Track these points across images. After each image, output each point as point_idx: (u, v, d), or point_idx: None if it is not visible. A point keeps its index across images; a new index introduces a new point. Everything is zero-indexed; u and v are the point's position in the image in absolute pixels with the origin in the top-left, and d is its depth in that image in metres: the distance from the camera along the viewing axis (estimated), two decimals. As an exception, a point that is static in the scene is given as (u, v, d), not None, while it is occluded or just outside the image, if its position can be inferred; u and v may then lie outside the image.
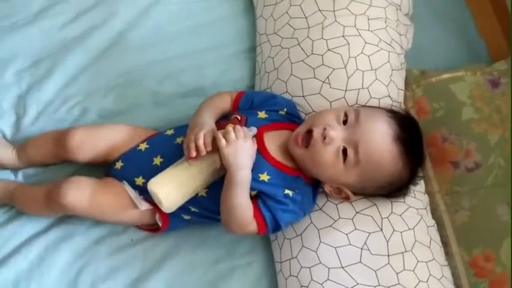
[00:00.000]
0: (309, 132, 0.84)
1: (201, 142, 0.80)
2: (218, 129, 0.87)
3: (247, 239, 0.97)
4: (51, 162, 0.99)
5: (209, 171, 0.83)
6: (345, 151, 0.83)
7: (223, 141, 0.79)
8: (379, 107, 0.89)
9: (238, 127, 0.82)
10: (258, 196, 0.85)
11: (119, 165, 0.92)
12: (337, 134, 0.83)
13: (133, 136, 0.94)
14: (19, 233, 0.95)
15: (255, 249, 0.96)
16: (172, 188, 0.82)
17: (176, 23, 1.11)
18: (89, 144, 0.93)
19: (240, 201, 0.81)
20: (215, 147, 0.81)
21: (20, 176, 1.00)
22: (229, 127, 0.82)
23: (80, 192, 0.87)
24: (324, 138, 0.82)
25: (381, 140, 0.82)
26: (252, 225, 0.84)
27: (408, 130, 0.84)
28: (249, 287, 0.93)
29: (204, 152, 0.80)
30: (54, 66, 1.06)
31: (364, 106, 0.90)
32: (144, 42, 1.09)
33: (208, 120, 0.87)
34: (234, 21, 1.12)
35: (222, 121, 0.90)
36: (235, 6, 1.13)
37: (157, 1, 1.12)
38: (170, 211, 0.84)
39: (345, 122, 0.84)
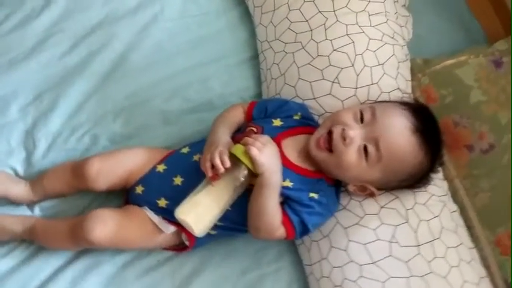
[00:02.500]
0: (330, 133, 0.85)
1: (217, 161, 0.80)
2: (235, 143, 0.87)
3: (272, 246, 0.97)
4: (68, 193, 0.98)
5: (232, 188, 0.83)
6: (365, 149, 0.83)
7: (255, 150, 0.79)
8: (392, 101, 0.90)
9: (259, 135, 0.83)
10: (284, 202, 0.85)
11: (139, 189, 0.92)
12: (356, 133, 0.83)
13: (150, 158, 0.94)
14: (44, 268, 0.94)
15: (282, 256, 0.96)
16: (200, 212, 0.82)
17: (175, 39, 1.11)
18: (107, 171, 0.92)
19: (272, 205, 0.82)
20: (233, 163, 0.81)
21: (37, 210, 0.99)
22: (250, 138, 0.81)
23: (105, 227, 0.87)
24: (344, 139, 0.83)
25: (400, 133, 0.83)
26: (280, 231, 0.84)
27: (424, 119, 0.85)
28: (280, 294, 0.94)
29: (222, 170, 0.80)
30: (58, 97, 1.05)
31: (378, 102, 0.90)
32: (146, 61, 1.09)
33: (223, 136, 0.87)
34: (232, 31, 1.12)
35: (238, 134, 0.91)
36: (231, 17, 1.13)
37: (154, 19, 1.11)
38: (202, 235, 0.84)
39: (361, 120, 0.85)
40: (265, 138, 0.82)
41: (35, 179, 0.98)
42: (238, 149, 0.81)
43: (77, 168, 0.94)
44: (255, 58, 1.10)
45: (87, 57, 1.09)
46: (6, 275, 0.93)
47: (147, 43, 1.10)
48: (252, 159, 0.79)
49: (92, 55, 1.09)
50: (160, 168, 0.92)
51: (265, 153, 0.79)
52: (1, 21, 1.10)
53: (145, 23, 1.11)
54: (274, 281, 0.95)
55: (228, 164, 0.80)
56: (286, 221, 0.84)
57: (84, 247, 0.93)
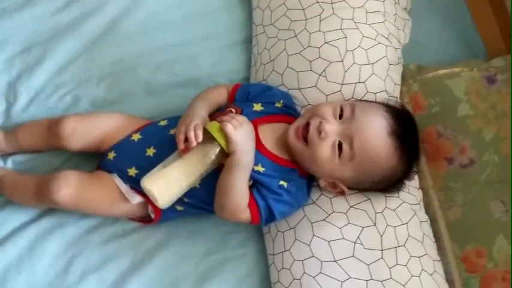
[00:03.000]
0: (307, 125, 0.84)
1: (191, 134, 0.79)
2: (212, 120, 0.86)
3: (239, 231, 0.96)
4: (42, 149, 0.97)
5: (203, 164, 0.82)
6: (340, 146, 0.82)
7: (230, 127, 0.78)
8: (375, 101, 0.88)
9: (236, 115, 0.82)
10: (253, 185, 0.84)
11: (111, 155, 0.91)
12: (332, 128, 0.82)
13: (126, 125, 0.92)
14: (9, 221, 0.94)
15: (248, 242, 0.96)
16: (166, 184, 0.81)
17: (171, 12, 1.09)
18: (82, 132, 0.91)
19: (239, 185, 0.81)
20: (206, 139, 0.80)
21: (10, 163, 0.98)
22: (226, 116, 0.80)
23: (69, 189, 0.86)
24: (320, 132, 0.82)
25: (376, 134, 0.82)
26: (246, 213, 0.83)
27: (404, 124, 0.84)
28: (240, 279, 0.93)
29: (194, 144, 0.79)
30: (46, 53, 1.04)
31: (361, 100, 0.89)
32: (137, 30, 1.07)
33: (200, 112, 0.86)
34: (230, 11, 1.10)
35: (217, 113, 0.89)
36: (231, -4, 1.12)
37: (152, -12, 1.10)
38: (165, 207, 0.83)
39: (340, 116, 0.83)
40: (243, 118, 0.81)
41: (10, 130, 0.97)
42: (213, 126, 0.80)
43: (52, 125, 0.93)
44: (249, 41, 1.08)
45: (80, 17, 1.07)
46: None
47: (141, 12, 1.08)
48: (225, 137, 0.78)
49: (84, 16, 1.07)
50: (135, 137, 0.91)
51: (239, 132, 0.79)
52: (-3, -31, 1.08)
53: (143, -9, 1.10)
54: (236, 265, 0.94)
55: (200, 138, 0.79)
56: (253, 204, 0.83)
57: (49, 206, 0.92)
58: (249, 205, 0.83)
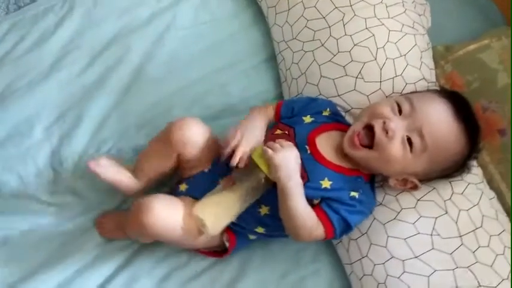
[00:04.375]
0: (368, 128, 0.83)
1: (235, 160, 0.82)
2: (267, 141, 0.87)
3: (309, 247, 0.96)
4: (167, 168, 0.94)
5: (251, 193, 0.83)
6: (409, 140, 0.82)
7: (270, 151, 0.79)
8: (425, 91, 0.88)
9: (280, 140, 0.82)
10: (321, 202, 0.84)
11: (183, 187, 0.91)
12: (398, 125, 0.82)
13: (214, 150, 0.92)
14: (85, 286, 0.94)
15: (319, 256, 0.95)
16: (216, 213, 0.82)
17: (190, 47, 1.10)
18: (198, 135, 0.91)
19: (298, 208, 0.81)
20: (253, 166, 0.80)
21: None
22: (271, 142, 0.81)
23: (159, 210, 0.84)
24: (387, 132, 0.81)
25: (443, 121, 0.82)
26: (319, 230, 0.83)
27: (462, 105, 0.84)
28: (322, 294, 0.93)
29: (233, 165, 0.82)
30: (81, 115, 1.05)
31: (411, 93, 0.89)
32: (163, 71, 1.09)
33: (256, 130, 0.88)
34: (246, 34, 1.11)
35: (268, 134, 0.90)
36: (243, 20, 1.13)
37: (167, 29, 1.11)
38: (214, 234, 0.84)
39: (400, 112, 0.83)
40: (286, 142, 0.81)
41: (134, 165, 0.96)
42: (256, 151, 0.81)
43: (170, 128, 0.91)
44: (271, 59, 1.09)
45: (105, 72, 1.08)
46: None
47: (162, 53, 1.10)
48: (267, 163, 0.79)
49: (109, 70, 1.09)
50: (206, 168, 0.92)
51: (280, 155, 0.79)
52: (16, 42, 1.10)
53: (159, 33, 1.11)
54: (314, 282, 0.94)
55: (241, 164, 0.82)
56: (325, 219, 0.82)
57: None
58: (321, 220, 0.82)
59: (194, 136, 0.90)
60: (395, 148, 0.82)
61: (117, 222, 0.95)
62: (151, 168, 0.94)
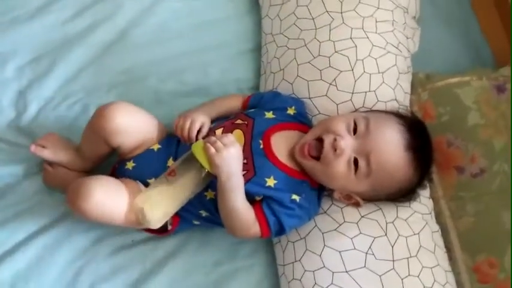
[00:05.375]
0: (319, 140, 0.83)
1: (185, 134, 0.86)
2: (224, 128, 0.87)
3: (249, 242, 0.96)
4: (105, 151, 0.92)
5: (192, 185, 0.83)
6: (356, 161, 0.82)
7: (212, 150, 0.78)
8: (387, 111, 0.88)
9: (223, 135, 0.81)
10: (262, 199, 0.84)
11: (130, 165, 0.90)
12: (348, 144, 0.82)
13: (154, 132, 0.91)
14: (18, 232, 0.93)
15: (257, 252, 0.95)
16: (158, 204, 0.82)
17: (180, 21, 1.09)
18: (129, 128, 0.87)
19: (236, 206, 0.81)
20: (194, 158, 0.80)
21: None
22: (213, 137, 0.80)
23: (98, 195, 0.81)
24: (335, 149, 0.81)
25: (393, 149, 0.81)
26: (255, 228, 0.83)
27: (419, 136, 0.83)
28: (250, 289, 0.92)
29: (193, 140, 0.85)
30: (56, 62, 1.04)
31: (374, 110, 0.89)
32: (148, 39, 1.08)
33: (201, 113, 0.89)
34: (239, 20, 1.11)
35: (227, 121, 0.90)
36: (240, 5, 1.12)
37: (162, -2, 1.10)
38: (156, 227, 0.84)
39: (354, 131, 0.83)
40: (229, 139, 0.80)
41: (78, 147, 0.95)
42: (198, 146, 0.80)
43: (99, 114, 0.87)
44: (258, 50, 1.08)
45: (90, 26, 1.07)
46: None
47: (151, 21, 1.09)
48: (209, 161, 0.79)
49: (94, 25, 1.08)
50: (155, 147, 0.91)
51: (222, 155, 0.78)
52: (6, -21, 1.09)
53: (153, 0, 1.10)
54: (246, 276, 0.93)
55: (193, 139, 0.86)
56: (262, 219, 0.83)
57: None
58: (259, 220, 0.83)
59: (119, 125, 0.86)
60: (340, 166, 0.81)
61: (60, 174, 0.94)
62: (90, 152, 0.93)
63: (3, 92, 1.02)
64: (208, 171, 0.80)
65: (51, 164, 0.95)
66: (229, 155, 0.79)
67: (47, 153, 0.94)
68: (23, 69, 1.04)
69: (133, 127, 0.88)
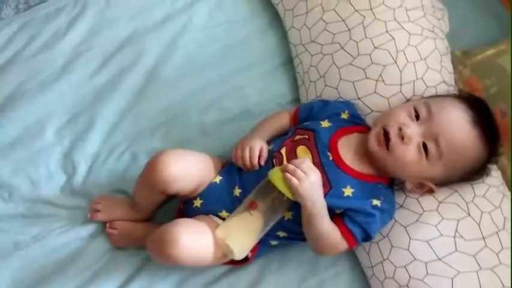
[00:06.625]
0: (384, 133, 0.83)
1: (247, 163, 0.85)
2: (287, 147, 0.87)
3: (328, 251, 0.96)
4: (162, 199, 0.91)
5: (273, 214, 0.82)
6: (425, 146, 0.82)
7: (294, 181, 0.78)
8: (444, 95, 0.89)
9: (300, 161, 0.80)
10: (343, 213, 0.84)
11: (198, 203, 0.89)
12: (414, 131, 0.82)
13: (211, 168, 0.90)
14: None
15: (339, 259, 0.95)
16: (242, 237, 0.82)
17: (205, 50, 1.09)
18: (182, 174, 0.86)
19: (323, 229, 0.82)
20: (272, 186, 0.80)
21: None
22: (291, 165, 0.79)
23: (186, 238, 0.80)
24: (402, 138, 0.81)
25: (460, 128, 0.82)
26: (343, 244, 0.84)
27: (481, 111, 0.84)
28: (342, 297, 0.92)
29: (256, 167, 0.85)
30: (93, 117, 1.03)
31: (430, 97, 0.89)
32: (178, 74, 1.07)
33: (256, 137, 0.89)
34: (262, 37, 1.11)
35: (286, 139, 0.89)
36: (259, 23, 1.12)
37: (182, 31, 1.10)
38: (241, 258, 0.84)
39: (417, 117, 0.83)
40: (307, 165, 0.80)
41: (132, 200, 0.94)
42: (276, 175, 0.80)
43: (150, 169, 0.86)
44: (287, 63, 1.09)
45: (118, 74, 1.07)
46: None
47: (177, 55, 1.09)
48: (292, 191, 0.78)
49: (122, 72, 1.07)
50: (217, 179, 0.90)
51: (305, 185, 0.78)
52: (27, 43, 1.07)
53: (174, 35, 1.10)
54: (333, 285, 0.93)
55: (255, 161, 0.86)
56: (349, 235, 0.83)
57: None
58: (345, 237, 0.83)
59: (173, 174, 0.85)
60: (410, 154, 0.82)
61: (127, 233, 0.93)
62: (146, 203, 0.92)
63: (48, 158, 1.00)
64: (287, 197, 0.80)
65: (112, 225, 0.94)
66: (312, 184, 0.79)
67: (102, 216, 0.94)
68: (62, 132, 1.02)
69: (188, 172, 0.87)
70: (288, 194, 0.79)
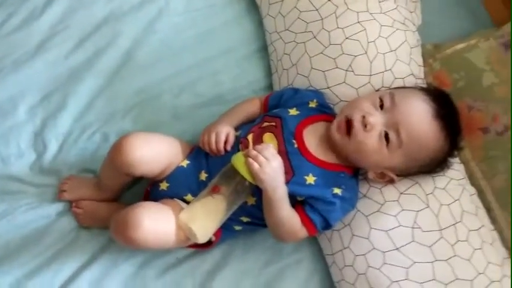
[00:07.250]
0: (347, 121, 0.84)
1: (213, 147, 0.86)
2: (254, 133, 0.87)
3: (292, 237, 0.97)
4: (128, 180, 0.93)
5: (238, 192, 0.83)
6: (386, 135, 0.83)
7: (255, 166, 0.79)
8: (410, 87, 0.90)
9: (263, 147, 0.81)
10: (304, 201, 0.85)
11: (164, 186, 0.90)
12: (377, 120, 0.83)
13: (179, 151, 0.91)
14: (62, 271, 0.93)
15: (302, 246, 0.96)
16: (204, 220, 0.83)
17: (182, 34, 1.09)
18: (149, 156, 0.87)
19: (283, 215, 0.83)
20: (235, 171, 0.80)
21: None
22: (253, 151, 0.80)
23: (149, 223, 0.81)
24: (365, 126, 0.82)
25: (421, 118, 0.83)
26: (302, 232, 0.85)
27: (444, 104, 0.85)
28: (302, 284, 0.94)
29: (222, 152, 0.86)
30: (66, 97, 1.04)
31: (396, 88, 0.90)
32: (154, 57, 1.08)
33: (223, 123, 0.90)
34: (239, 24, 1.11)
35: (253, 126, 0.90)
36: (237, 10, 1.12)
37: (159, 14, 1.10)
38: (204, 241, 0.85)
39: (381, 107, 0.84)
40: (270, 152, 0.81)
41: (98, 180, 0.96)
42: (239, 160, 0.81)
43: (116, 151, 0.86)
44: (263, 50, 1.09)
45: (94, 55, 1.07)
46: (26, 279, 0.91)
47: (154, 39, 1.09)
48: (253, 176, 0.79)
49: (98, 53, 1.07)
50: (184, 163, 0.91)
51: (266, 170, 0.79)
52: (3, 20, 1.07)
53: (151, 19, 1.10)
54: (295, 271, 0.94)
55: (221, 147, 0.87)
56: (308, 223, 0.84)
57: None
58: (305, 224, 0.84)
59: (139, 157, 0.85)
60: (371, 142, 0.83)
61: (91, 212, 0.94)
62: (112, 184, 0.93)
63: (20, 136, 1.01)
64: (249, 183, 0.81)
65: (78, 205, 0.95)
66: (273, 169, 0.80)
67: (68, 196, 0.95)
68: (34, 110, 1.03)
69: (154, 155, 0.88)
70: (249, 179, 0.80)
